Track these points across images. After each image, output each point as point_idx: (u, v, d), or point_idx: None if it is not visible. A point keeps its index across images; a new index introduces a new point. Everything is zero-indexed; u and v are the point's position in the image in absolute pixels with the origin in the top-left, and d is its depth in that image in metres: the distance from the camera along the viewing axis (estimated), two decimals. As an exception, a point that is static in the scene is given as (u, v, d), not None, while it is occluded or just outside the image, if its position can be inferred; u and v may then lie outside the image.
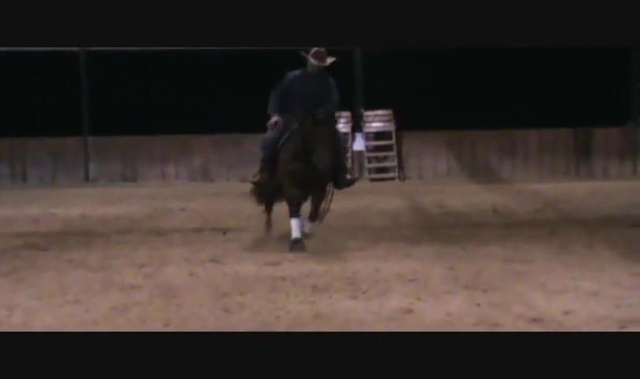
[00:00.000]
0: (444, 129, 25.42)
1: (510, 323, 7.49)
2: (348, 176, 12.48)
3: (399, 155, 25.53)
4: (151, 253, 11.88)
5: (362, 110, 25.49)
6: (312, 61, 11.98)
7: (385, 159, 25.62)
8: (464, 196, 19.57)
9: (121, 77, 25.48)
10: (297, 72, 12.37)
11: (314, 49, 11.92)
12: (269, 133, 12.38)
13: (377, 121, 25.59)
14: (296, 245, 11.59)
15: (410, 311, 8.02)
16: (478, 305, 8.21)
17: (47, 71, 25.38)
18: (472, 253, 11.23)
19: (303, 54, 12.10)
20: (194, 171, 25.98)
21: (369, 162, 25.54)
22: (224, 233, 13.81)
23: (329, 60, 12.03)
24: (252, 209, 17.15)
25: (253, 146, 25.40)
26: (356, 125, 25.48)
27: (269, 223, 13.13)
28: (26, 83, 25.38)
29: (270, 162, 12.28)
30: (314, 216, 12.52)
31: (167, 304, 8.51)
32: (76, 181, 25.47)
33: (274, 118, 12.19)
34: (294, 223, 11.78)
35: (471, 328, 7.33)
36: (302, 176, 11.78)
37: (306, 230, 12.36)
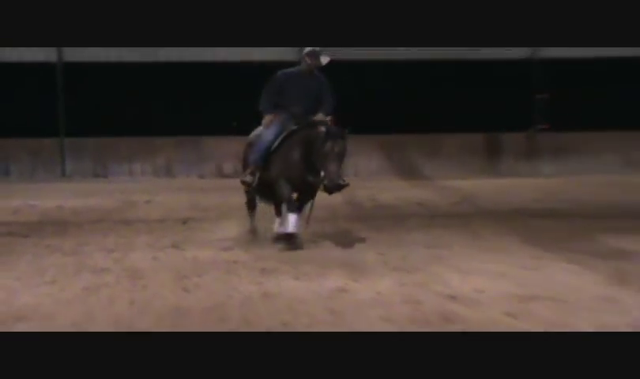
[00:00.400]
0: (377, 134, 25.48)
1: (430, 300, 7.55)
2: (340, 181, 10.38)
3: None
4: (119, 240, 11.82)
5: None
6: (307, 60, 10.83)
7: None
8: (394, 191, 19.67)
9: (93, 86, 25.35)
10: (289, 70, 11.14)
11: (308, 48, 10.78)
12: (262, 132, 10.99)
13: (318, 125, 25.60)
14: (293, 241, 10.48)
15: (345, 290, 8.06)
16: (404, 284, 8.26)
17: (27, 80, 25.27)
18: (400, 240, 11.30)
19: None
20: (158, 168, 25.88)
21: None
22: (184, 222, 13.77)
23: (325, 59, 10.88)
24: (208, 202, 17.18)
25: (210, 146, 25.68)
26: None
27: (252, 220, 11.76)
28: (9, 91, 25.19)
29: (262, 162, 10.85)
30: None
31: (132, 285, 8.48)
32: (53, 176, 25.32)
33: (269, 117, 10.87)
34: (293, 218, 10.46)
35: (397, 305, 7.39)
36: (300, 185, 10.65)
37: (291, 228, 10.53)
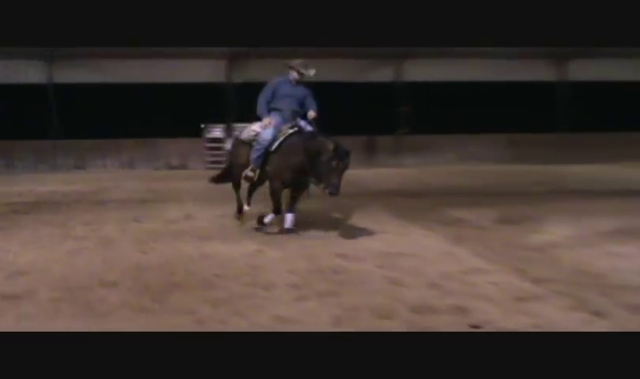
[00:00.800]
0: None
1: (325, 257, 7.60)
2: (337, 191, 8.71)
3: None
4: (95, 215, 11.57)
5: (231, 123, 25.48)
6: (297, 69, 9.41)
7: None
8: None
9: (77, 101, 24.95)
10: (280, 78, 9.55)
11: (298, 60, 9.48)
12: (260, 133, 9.31)
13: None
14: (261, 227, 9.28)
15: (262, 251, 8.03)
16: (305, 247, 8.26)
17: (28, 97, 24.91)
18: (302, 215, 11.26)
19: (287, 63, 9.52)
20: (124, 163, 25.52)
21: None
22: (143, 203, 13.55)
23: (312, 71, 9.49)
24: (160, 187, 16.92)
25: (162, 146, 25.42)
26: (229, 133, 25.55)
27: (239, 197, 10.31)
28: (15, 105, 24.82)
29: (261, 161, 9.31)
30: (293, 208, 9.39)
31: (105, 249, 8.32)
32: (47, 169, 24.85)
33: (267, 119, 9.30)
34: (270, 218, 9.32)
35: (299, 261, 7.39)
36: (295, 185, 9.21)
37: (289, 225, 9.26)
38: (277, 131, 9.27)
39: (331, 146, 8.43)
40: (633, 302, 5.59)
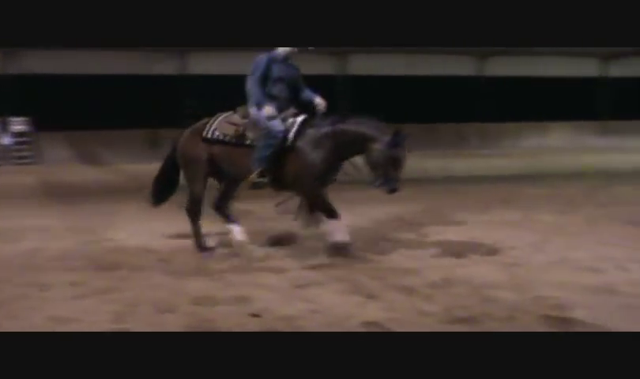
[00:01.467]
0: (66, 131, 24.76)
1: (105, 253, 7.49)
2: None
3: (36, 147, 24.79)
4: None
5: (6, 117, 24.48)
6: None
7: (24, 149, 24.58)
8: (81, 174, 18.98)
9: None
10: (271, 54, 7.37)
11: None
12: (266, 125, 7.09)
13: (19, 124, 24.52)
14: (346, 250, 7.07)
15: (39, 249, 7.76)
16: (85, 243, 8.08)
17: None
18: (83, 209, 10.90)
19: None
20: None
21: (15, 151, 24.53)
22: None
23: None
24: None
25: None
26: (3, 127, 24.52)
27: (199, 231, 7.79)
28: None
29: (273, 160, 7.16)
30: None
31: None
32: None
33: (268, 108, 7.11)
34: (335, 224, 7.10)
35: (78, 259, 7.19)
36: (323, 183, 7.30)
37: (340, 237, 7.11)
38: (284, 122, 7.28)
39: (387, 133, 6.94)
40: (401, 283, 5.98)
